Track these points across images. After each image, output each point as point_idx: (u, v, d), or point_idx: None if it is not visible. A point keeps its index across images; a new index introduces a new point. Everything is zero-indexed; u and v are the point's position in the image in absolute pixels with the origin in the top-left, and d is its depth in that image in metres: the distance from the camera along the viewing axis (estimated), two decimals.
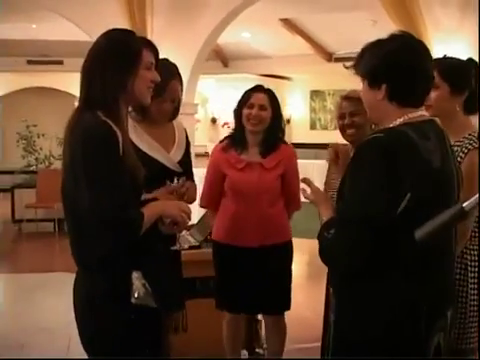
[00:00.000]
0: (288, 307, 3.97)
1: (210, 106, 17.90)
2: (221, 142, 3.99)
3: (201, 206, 4.09)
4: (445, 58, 2.96)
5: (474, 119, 2.95)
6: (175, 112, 3.50)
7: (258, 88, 3.90)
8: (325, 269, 3.68)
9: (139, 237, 2.35)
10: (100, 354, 2.46)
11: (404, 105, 2.17)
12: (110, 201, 2.26)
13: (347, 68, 2.32)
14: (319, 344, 3.84)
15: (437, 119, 2.29)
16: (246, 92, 3.89)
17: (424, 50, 2.22)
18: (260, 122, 3.78)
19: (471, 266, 2.81)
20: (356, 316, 2.15)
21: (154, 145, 3.37)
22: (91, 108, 2.35)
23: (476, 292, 2.80)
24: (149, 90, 2.50)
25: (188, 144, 3.59)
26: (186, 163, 3.52)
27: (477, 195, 1.46)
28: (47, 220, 10.81)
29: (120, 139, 2.34)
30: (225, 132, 16.47)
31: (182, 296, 3.62)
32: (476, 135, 2.79)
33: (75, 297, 2.49)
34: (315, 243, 3.95)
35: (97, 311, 2.40)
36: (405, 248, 2.04)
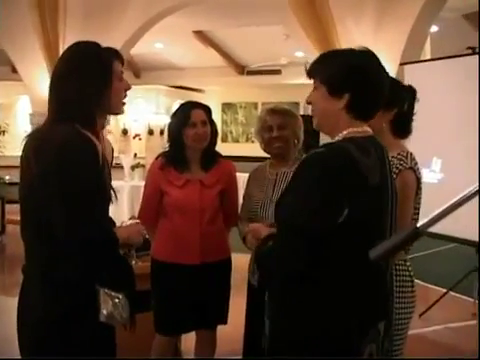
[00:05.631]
0: (225, 320, 3.95)
1: (121, 117, 17.69)
2: (156, 159, 3.93)
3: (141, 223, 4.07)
4: None
5: (404, 141, 3.01)
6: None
7: (194, 104, 3.86)
8: (243, 284, 3.73)
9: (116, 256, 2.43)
10: None
11: (357, 118, 2.21)
12: (87, 219, 2.26)
13: (305, 70, 2.32)
14: (239, 357, 3.86)
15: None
16: (181, 109, 3.84)
17: (383, 68, 2.27)
18: (204, 139, 3.76)
19: (397, 281, 2.85)
20: (289, 323, 2.21)
21: None
22: (66, 120, 2.33)
23: (404, 306, 2.84)
24: (122, 101, 2.54)
25: (111, 163, 3.53)
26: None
27: (433, 215, 1.48)
28: None
29: (100, 150, 2.35)
30: (136, 144, 16.46)
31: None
32: (405, 155, 2.84)
33: (30, 317, 2.41)
34: (234, 257, 3.96)
35: (61, 330, 2.35)
36: (341, 260, 2.12)
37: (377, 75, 2.23)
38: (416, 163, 2.85)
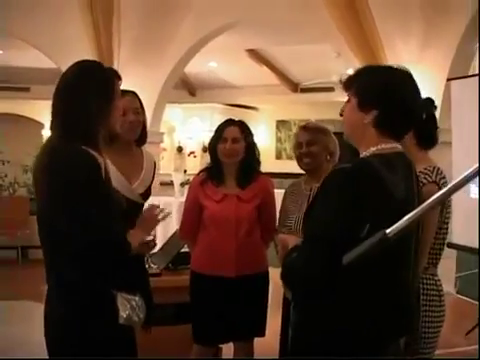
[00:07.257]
0: (263, 333, 4.02)
1: (176, 135, 17.91)
2: (198, 175, 4.06)
3: (180, 237, 4.22)
4: None
5: (431, 153, 2.99)
6: (143, 136, 3.49)
7: (230, 122, 3.98)
8: (281, 296, 3.78)
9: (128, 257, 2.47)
10: None
11: (385, 135, 2.24)
12: (92, 227, 2.33)
13: (341, 83, 2.37)
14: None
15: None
16: (219, 126, 3.98)
17: (418, 91, 2.29)
18: (234, 155, 3.87)
19: (424, 295, 2.84)
20: (310, 332, 2.24)
21: (117, 175, 3.29)
22: (70, 138, 2.40)
23: (430, 320, 2.83)
24: (120, 117, 2.65)
25: (153, 178, 3.63)
26: (148, 195, 3.56)
27: (400, 222, 1.55)
28: (10, 248, 10.66)
29: (102, 166, 2.43)
30: (191, 161, 16.63)
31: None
32: (431, 170, 2.84)
33: (51, 321, 2.50)
34: (274, 271, 4.03)
35: (79, 331, 2.43)
36: (362, 272, 2.08)
37: (409, 97, 2.24)
38: (442, 178, 2.84)
